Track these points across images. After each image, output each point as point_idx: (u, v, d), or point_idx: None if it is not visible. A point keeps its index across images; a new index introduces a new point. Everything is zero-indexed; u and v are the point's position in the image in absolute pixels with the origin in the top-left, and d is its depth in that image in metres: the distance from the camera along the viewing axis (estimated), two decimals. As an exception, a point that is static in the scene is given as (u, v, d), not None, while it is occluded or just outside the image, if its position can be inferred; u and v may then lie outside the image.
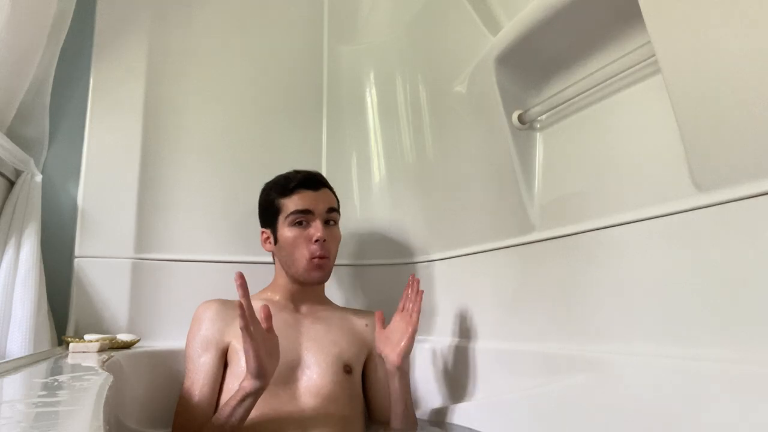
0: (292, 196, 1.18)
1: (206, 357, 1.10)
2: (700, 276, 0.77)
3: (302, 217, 1.16)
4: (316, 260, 1.15)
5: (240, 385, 0.95)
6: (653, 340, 0.83)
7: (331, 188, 1.25)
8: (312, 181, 1.20)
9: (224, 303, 1.16)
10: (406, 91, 1.56)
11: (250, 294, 1.07)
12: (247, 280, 0.93)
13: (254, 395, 0.94)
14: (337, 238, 1.21)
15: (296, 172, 1.22)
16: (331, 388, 1.10)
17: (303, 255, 1.15)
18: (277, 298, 1.21)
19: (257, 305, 0.96)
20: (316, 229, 1.15)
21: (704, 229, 0.76)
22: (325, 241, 1.15)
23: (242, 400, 0.94)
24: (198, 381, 1.08)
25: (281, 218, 1.18)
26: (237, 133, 1.55)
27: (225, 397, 1.07)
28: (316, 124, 1.65)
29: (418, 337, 1.43)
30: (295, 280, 1.19)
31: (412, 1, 1.52)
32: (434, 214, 1.46)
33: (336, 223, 1.22)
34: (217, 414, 0.99)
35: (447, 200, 1.40)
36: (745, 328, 0.71)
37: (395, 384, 1.13)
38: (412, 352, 1.15)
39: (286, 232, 1.17)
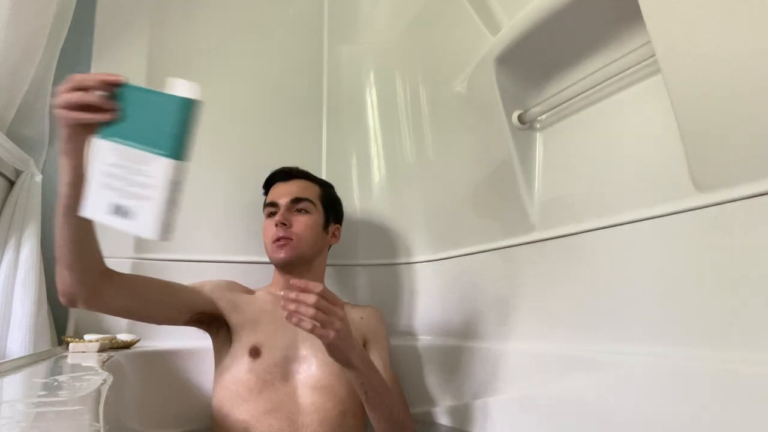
0: (269, 191, 1.27)
1: (200, 285, 1.12)
2: (700, 276, 0.77)
3: (272, 209, 1.23)
4: (278, 242, 1.19)
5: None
6: (653, 340, 0.83)
7: (310, 179, 1.28)
8: (283, 173, 1.27)
9: (237, 284, 1.21)
10: (406, 91, 1.56)
11: (254, 289, 1.14)
12: (245, 280, 0.93)
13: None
14: (307, 224, 1.21)
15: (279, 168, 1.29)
16: (329, 380, 1.11)
17: (269, 239, 1.21)
18: (276, 292, 1.21)
19: (264, 296, 1.05)
20: (278, 215, 1.20)
21: (704, 229, 0.76)
22: (284, 225, 1.18)
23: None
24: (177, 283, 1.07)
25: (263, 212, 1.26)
26: (237, 133, 1.54)
27: (222, 377, 1.09)
28: (316, 124, 1.65)
29: (417, 337, 1.44)
30: (280, 270, 1.22)
31: (412, 1, 1.52)
32: (434, 214, 1.46)
33: (308, 211, 1.23)
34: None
35: (447, 200, 1.40)
36: (745, 328, 0.71)
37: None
38: (413, 351, 1.14)
39: (263, 223, 1.25)
